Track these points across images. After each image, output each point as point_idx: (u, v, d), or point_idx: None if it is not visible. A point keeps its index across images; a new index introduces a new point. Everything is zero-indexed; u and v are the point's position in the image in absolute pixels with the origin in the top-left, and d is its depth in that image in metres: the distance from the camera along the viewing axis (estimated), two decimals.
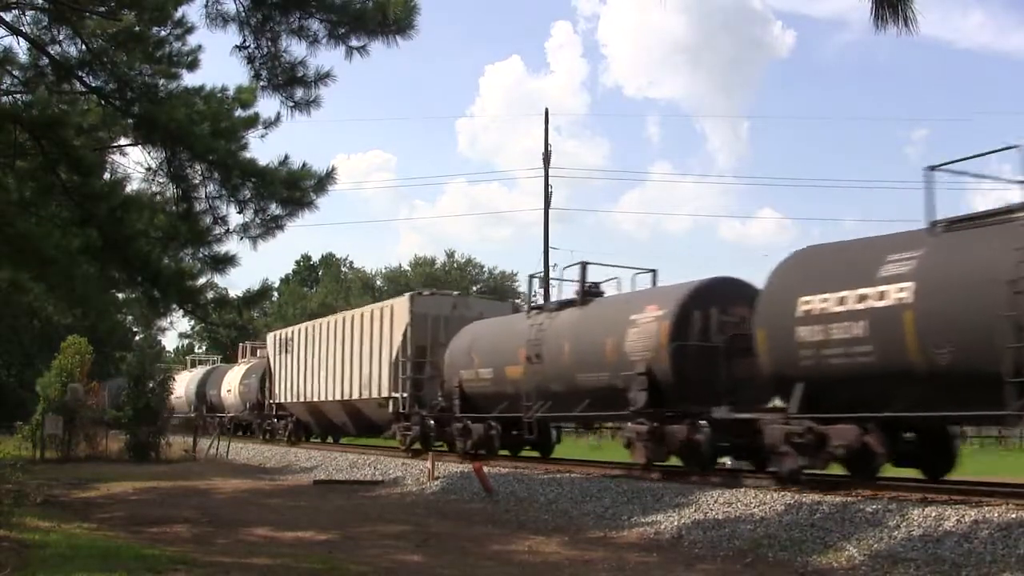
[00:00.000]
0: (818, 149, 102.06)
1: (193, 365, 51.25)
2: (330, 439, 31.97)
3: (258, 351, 44.12)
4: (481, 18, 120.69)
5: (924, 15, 5.71)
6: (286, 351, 31.11)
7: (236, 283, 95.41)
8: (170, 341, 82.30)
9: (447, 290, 31.39)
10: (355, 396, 25.62)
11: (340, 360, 26.51)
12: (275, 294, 70.04)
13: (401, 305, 23.69)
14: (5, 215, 12.35)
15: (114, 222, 12.32)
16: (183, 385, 43.63)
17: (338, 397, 26.68)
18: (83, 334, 29.17)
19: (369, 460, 22.39)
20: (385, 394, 23.52)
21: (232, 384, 38.84)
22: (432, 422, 21.60)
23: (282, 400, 31.73)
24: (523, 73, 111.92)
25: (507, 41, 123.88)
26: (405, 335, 22.87)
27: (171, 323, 41.67)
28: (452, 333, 21.78)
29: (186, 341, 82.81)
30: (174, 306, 14.41)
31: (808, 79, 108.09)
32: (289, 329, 33.10)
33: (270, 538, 11.88)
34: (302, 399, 29.73)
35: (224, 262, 13.25)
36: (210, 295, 14.07)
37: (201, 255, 13.38)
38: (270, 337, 34.28)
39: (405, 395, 22.56)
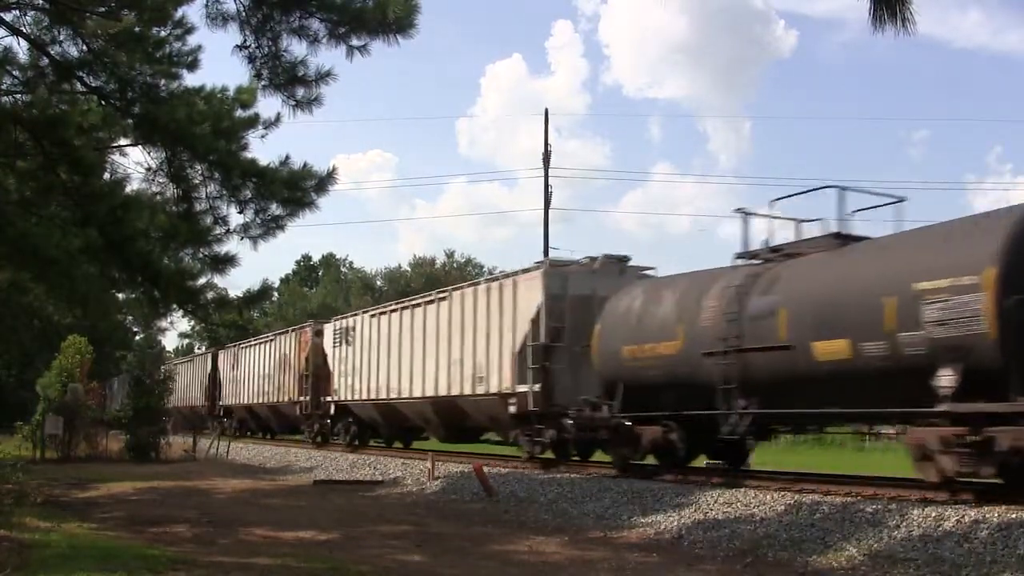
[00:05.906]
0: (819, 149, 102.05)
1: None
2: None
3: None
4: (481, 18, 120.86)
5: (922, 14, 5.70)
6: (346, 343, 26.74)
7: (236, 283, 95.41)
8: (170, 341, 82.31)
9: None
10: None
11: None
12: (275, 294, 69.89)
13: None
14: (5, 215, 12.34)
15: (114, 222, 12.30)
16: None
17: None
18: (83, 334, 29.21)
19: (369, 460, 22.40)
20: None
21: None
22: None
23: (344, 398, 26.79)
24: (524, 73, 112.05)
25: (507, 41, 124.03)
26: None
27: (171, 323, 41.26)
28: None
29: (186, 341, 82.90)
30: (174, 306, 14.41)
31: (810, 79, 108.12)
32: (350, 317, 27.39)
33: (270, 538, 11.86)
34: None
35: (224, 262, 13.24)
36: (210, 295, 14.06)
37: (201, 255, 13.37)
38: (328, 328, 28.46)
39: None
